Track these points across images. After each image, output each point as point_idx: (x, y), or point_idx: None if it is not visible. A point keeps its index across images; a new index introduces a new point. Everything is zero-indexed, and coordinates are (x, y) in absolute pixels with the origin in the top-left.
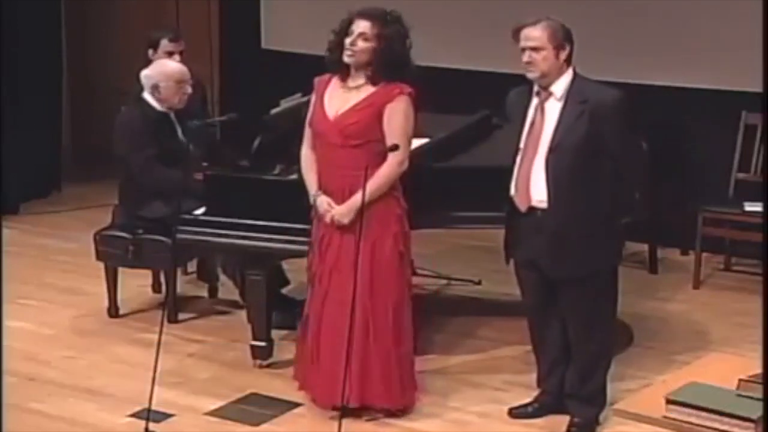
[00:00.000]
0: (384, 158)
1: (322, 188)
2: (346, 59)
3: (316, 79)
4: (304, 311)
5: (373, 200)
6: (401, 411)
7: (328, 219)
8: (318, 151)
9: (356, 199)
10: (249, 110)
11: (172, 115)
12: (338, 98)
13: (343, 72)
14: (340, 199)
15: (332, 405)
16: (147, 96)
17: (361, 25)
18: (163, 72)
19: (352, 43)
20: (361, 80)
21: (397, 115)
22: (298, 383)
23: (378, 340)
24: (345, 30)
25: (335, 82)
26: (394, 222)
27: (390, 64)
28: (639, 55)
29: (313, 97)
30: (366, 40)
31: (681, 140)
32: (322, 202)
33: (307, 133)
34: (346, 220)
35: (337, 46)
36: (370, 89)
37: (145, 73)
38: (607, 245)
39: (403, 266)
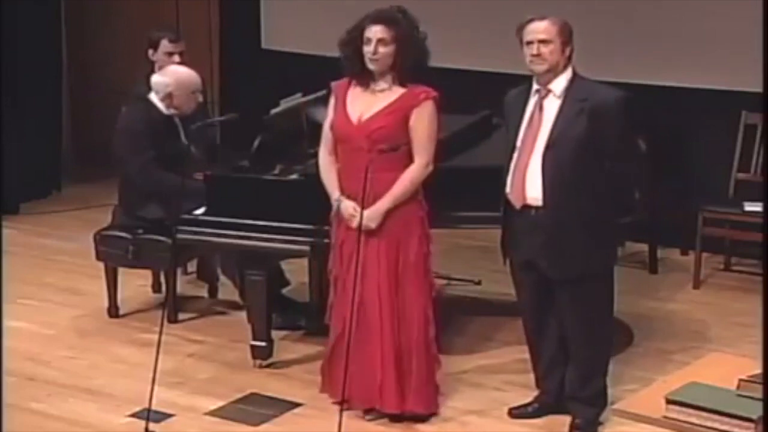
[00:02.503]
0: (409, 162)
1: (344, 192)
2: (370, 67)
3: (333, 84)
4: (330, 316)
5: (397, 203)
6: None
7: (354, 224)
8: (340, 156)
9: (381, 203)
10: (249, 110)
11: (177, 118)
12: (362, 102)
13: (365, 78)
14: (365, 203)
15: (369, 406)
16: (153, 98)
17: (377, 31)
18: (178, 80)
19: (374, 51)
20: (386, 84)
21: (422, 120)
22: (325, 389)
23: (411, 343)
24: (359, 37)
25: (355, 86)
26: (417, 224)
27: (411, 61)
28: (639, 55)
29: (332, 102)
30: (385, 44)
31: (681, 140)
32: (347, 207)
33: (326, 136)
34: (373, 225)
35: (355, 54)
36: (395, 93)
37: (158, 80)
38: (604, 246)
39: (428, 267)
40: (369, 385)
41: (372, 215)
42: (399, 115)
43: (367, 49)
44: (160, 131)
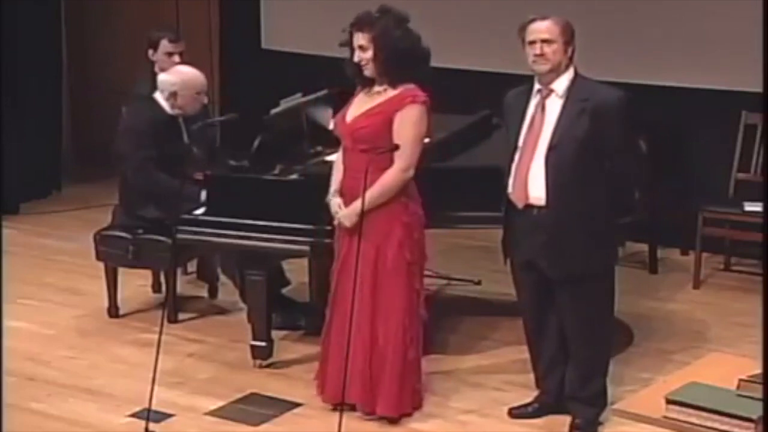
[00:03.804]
0: (390, 164)
1: (343, 189)
2: (365, 74)
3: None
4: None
5: (376, 206)
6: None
7: (336, 221)
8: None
9: (355, 204)
10: (249, 110)
11: (180, 119)
12: (359, 103)
13: (367, 83)
14: (350, 201)
15: (335, 401)
16: (158, 97)
17: (357, 38)
18: (184, 81)
19: (359, 59)
20: (381, 86)
21: (405, 124)
22: (317, 383)
23: (383, 346)
24: (351, 45)
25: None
26: (398, 228)
27: (393, 61)
28: (639, 55)
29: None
30: (364, 50)
31: (681, 140)
32: (333, 204)
33: None
34: (347, 223)
35: (352, 63)
36: (385, 95)
37: (164, 79)
38: (604, 246)
39: (410, 274)
40: (341, 380)
41: (346, 214)
42: (383, 117)
43: (355, 58)
44: (162, 131)
